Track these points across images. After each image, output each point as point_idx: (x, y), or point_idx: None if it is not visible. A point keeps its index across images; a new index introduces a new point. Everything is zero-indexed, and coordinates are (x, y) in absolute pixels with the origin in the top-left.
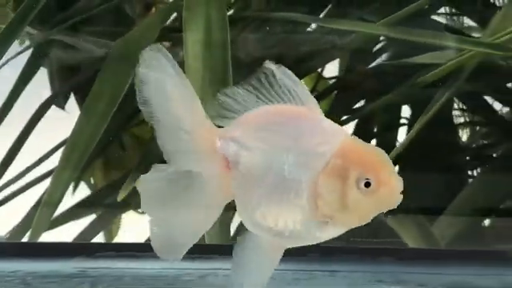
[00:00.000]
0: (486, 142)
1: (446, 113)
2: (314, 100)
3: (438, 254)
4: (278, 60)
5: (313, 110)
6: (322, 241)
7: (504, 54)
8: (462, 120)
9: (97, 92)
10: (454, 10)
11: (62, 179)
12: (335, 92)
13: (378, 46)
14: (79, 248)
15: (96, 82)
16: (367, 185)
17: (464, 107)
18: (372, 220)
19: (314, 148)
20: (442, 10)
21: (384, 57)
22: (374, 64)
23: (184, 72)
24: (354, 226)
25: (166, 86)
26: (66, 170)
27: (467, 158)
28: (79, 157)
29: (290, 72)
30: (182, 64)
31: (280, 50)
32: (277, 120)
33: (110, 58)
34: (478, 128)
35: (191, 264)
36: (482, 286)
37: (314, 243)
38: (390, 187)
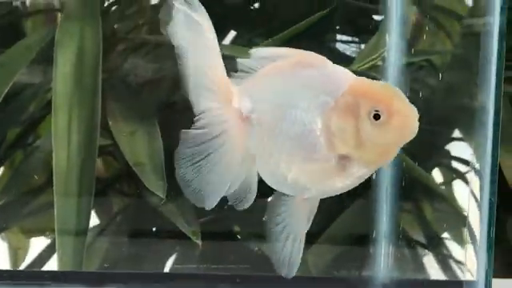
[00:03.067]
0: None
1: None
2: None
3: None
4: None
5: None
6: (347, 189)
7: None
8: None
9: None
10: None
11: None
12: None
13: None
14: None
15: None
16: (377, 117)
17: None
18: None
19: (324, 88)
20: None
21: None
22: None
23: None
24: (375, 165)
25: (201, 33)
26: None
27: None
28: None
29: None
30: None
31: (163, 74)
32: (286, 69)
33: None
34: None
35: None
36: None
37: (340, 192)
38: (403, 116)
